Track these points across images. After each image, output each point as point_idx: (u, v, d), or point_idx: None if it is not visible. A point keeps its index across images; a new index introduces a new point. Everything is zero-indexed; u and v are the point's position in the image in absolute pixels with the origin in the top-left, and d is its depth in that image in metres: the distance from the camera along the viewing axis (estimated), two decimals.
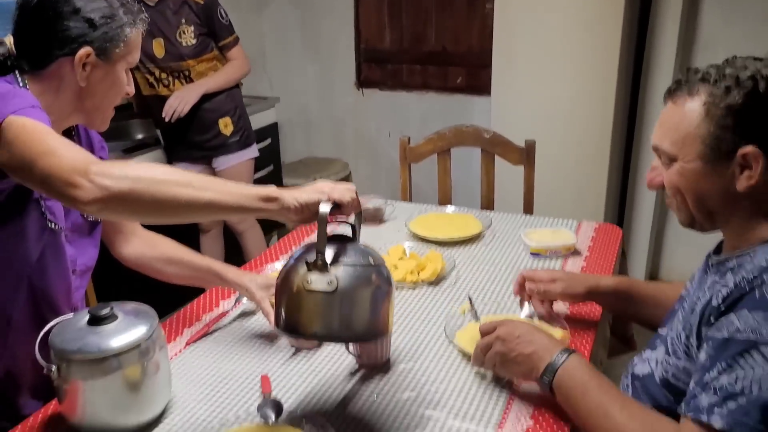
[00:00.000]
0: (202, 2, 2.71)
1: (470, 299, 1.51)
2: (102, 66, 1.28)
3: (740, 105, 1.00)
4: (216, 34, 2.79)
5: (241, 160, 2.93)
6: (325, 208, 1.06)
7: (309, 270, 1.03)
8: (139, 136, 3.15)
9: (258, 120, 3.60)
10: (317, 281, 1.02)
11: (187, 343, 1.45)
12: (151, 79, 2.76)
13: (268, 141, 3.67)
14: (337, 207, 1.12)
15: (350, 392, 1.27)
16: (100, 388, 1.13)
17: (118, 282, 2.12)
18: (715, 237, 1.16)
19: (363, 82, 3.91)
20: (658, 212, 3.37)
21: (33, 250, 1.28)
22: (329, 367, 1.35)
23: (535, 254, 1.79)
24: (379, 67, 3.86)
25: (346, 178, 3.99)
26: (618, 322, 1.73)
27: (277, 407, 1.19)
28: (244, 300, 1.58)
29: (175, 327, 1.52)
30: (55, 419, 1.21)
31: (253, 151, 2.99)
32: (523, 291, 1.49)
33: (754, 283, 0.97)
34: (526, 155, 2.22)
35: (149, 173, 1.05)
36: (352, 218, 1.18)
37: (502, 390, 1.25)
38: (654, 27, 2.99)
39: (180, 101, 2.70)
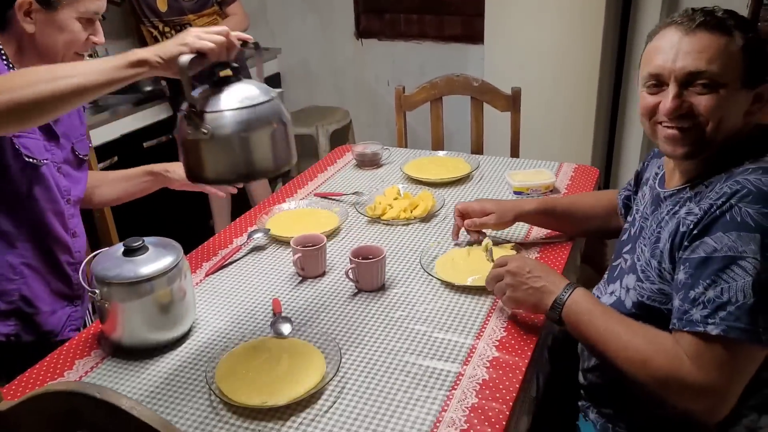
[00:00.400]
0: None
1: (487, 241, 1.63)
2: (44, 12, 1.39)
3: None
4: None
5: None
6: (185, 59, 1.10)
7: (186, 122, 1.09)
8: (148, 89, 3.31)
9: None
10: (194, 131, 1.08)
11: (207, 274, 1.64)
12: (155, 33, 2.90)
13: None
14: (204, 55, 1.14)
15: (350, 312, 1.46)
16: (136, 309, 1.32)
17: (138, 219, 2.32)
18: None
19: (362, 32, 4.02)
20: (645, 155, 3.52)
21: (20, 184, 1.45)
22: (332, 291, 1.54)
23: (518, 192, 1.96)
24: (377, 17, 3.96)
25: (347, 126, 4.13)
26: (592, 253, 1.91)
27: (288, 324, 1.39)
28: (255, 236, 1.77)
29: (195, 261, 1.71)
30: (98, 336, 1.41)
31: None
32: (461, 221, 1.67)
33: (723, 207, 1.09)
34: (512, 102, 2.37)
35: (14, 82, 1.12)
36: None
37: (482, 308, 1.44)
38: None
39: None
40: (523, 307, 1.34)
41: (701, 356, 1.08)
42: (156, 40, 2.90)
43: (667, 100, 1.17)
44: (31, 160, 1.45)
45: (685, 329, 1.10)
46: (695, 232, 1.12)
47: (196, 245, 1.79)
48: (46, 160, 1.50)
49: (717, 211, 1.10)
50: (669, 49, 1.16)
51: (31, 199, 1.49)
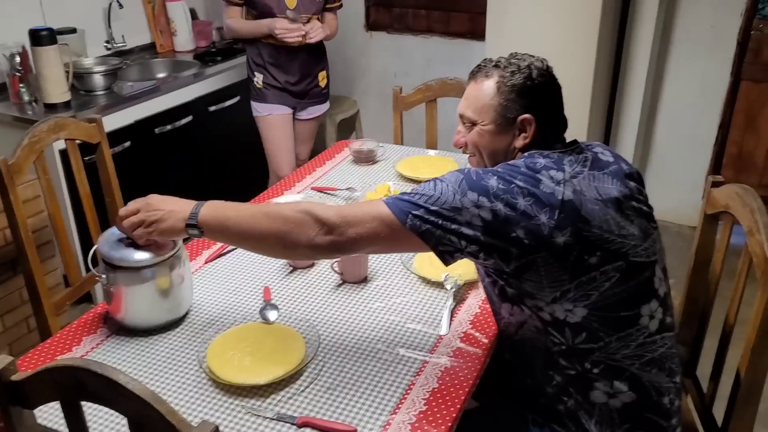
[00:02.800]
0: None
1: None
2: None
3: (520, 85, 1.36)
4: None
5: (323, 111, 3.27)
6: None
7: None
8: (161, 75, 3.45)
9: None
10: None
11: (206, 261, 1.79)
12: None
13: None
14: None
15: (333, 301, 1.61)
16: (138, 292, 1.47)
17: None
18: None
19: (371, 24, 4.13)
20: (639, 153, 3.63)
21: None
22: (319, 282, 1.69)
23: None
24: (386, 10, 4.07)
25: (355, 115, 4.26)
26: None
27: (275, 310, 1.54)
28: None
29: (195, 249, 1.86)
30: (104, 316, 1.56)
31: (327, 105, 3.29)
32: None
33: None
34: None
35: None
36: None
37: (452, 303, 1.58)
38: None
39: (314, 30, 2.88)
40: (164, 233, 1.38)
41: (357, 205, 1.31)
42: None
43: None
44: None
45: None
46: None
47: None
48: None
49: None
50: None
51: None
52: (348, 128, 4.30)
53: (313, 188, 2.19)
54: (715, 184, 1.62)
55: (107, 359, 1.41)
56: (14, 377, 1.06)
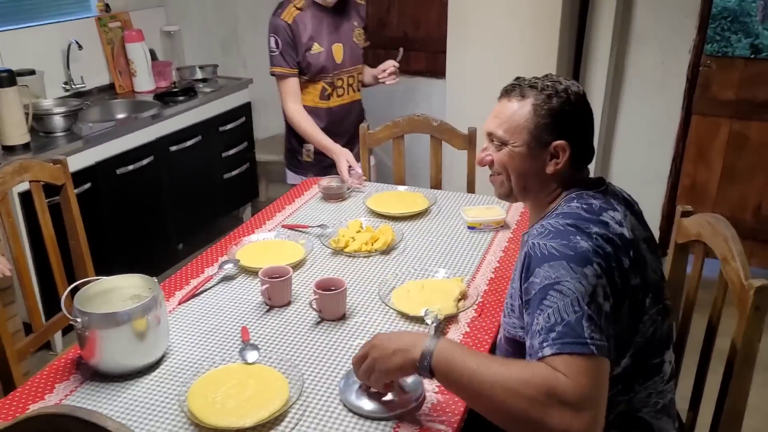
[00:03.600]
0: (363, 2, 2.80)
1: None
2: None
3: (557, 109, 1.33)
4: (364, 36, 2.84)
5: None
6: None
7: None
8: (121, 116, 3.41)
9: (233, 100, 3.88)
10: None
11: (180, 302, 1.75)
12: (329, 90, 2.74)
13: (242, 119, 3.95)
14: None
15: (313, 340, 1.59)
16: (114, 336, 1.43)
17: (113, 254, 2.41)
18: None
19: None
20: None
21: None
22: (297, 320, 1.67)
23: (471, 227, 2.12)
24: None
25: None
26: None
27: (255, 351, 1.51)
28: (226, 266, 1.89)
29: (168, 289, 1.82)
30: (76, 361, 1.51)
31: None
32: None
33: (534, 248, 1.24)
34: (468, 141, 2.53)
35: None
36: None
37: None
38: (592, 20, 3.32)
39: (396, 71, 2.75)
40: (394, 373, 1.27)
41: (569, 369, 1.09)
42: (326, 99, 2.74)
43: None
44: None
45: (532, 360, 1.15)
46: (524, 275, 1.25)
47: (162, 265, 1.89)
48: None
49: (531, 252, 1.25)
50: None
51: None
52: None
53: (284, 226, 2.18)
54: (685, 214, 1.67)
55: (82, 406, 1.36)
56: None
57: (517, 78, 1.42)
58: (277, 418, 1.32)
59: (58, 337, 2.86)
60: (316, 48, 2.64)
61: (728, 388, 1.40)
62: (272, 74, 2.68)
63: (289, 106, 2.70)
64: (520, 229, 2.13)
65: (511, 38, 3.11)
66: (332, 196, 2.38)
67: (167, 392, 1.41)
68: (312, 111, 2.74)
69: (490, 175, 1.46)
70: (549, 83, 1.36)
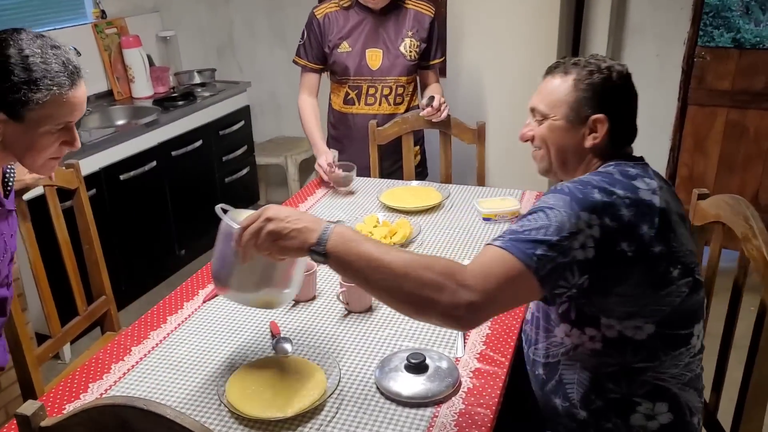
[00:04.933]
0: (432, 14, 2.62)
1: None
2: (13, 125, 1.29)
3: (598, 84, 1.36)
4: (431, 51, 2.65)
5: None
6: None
7: None
8: (121, 122, 3.40)
9: (232, 104, 3.88)
10: None
11: (204, 300, 1.76)
12: (352, 95, 2.66)
13: (242, 123, 3.95)
14: None
15: (343, 332, 1.59)
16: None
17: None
18: None
19: None
20: None
21: None
22: (324, 314, 1.68)
23: (487, 219, 2.13)
24: None
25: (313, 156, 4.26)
26: None
27: (288, 343, 1.52)
28: None
29: (190, 288, 1.82)
30: (106, 362, 1.51)
31: None
32: None
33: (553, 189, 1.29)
34: (477, 135, 2.55)
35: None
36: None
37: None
38: (588, 14, 3.36)
39: (445, 108, 2.51)
40: (286, 253, 1.22)
41: (478, 260, 1.18)
42: (350, 103, 2.70)
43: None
44: None
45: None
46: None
47: (164, 271, 1.89)
48: None
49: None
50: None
51: None
52: (309, 168, 4.31)
53: None
54: (701, 197, 1.70)
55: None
56: (44, 423, 1.01)
57: (563, 57, 1.45)
58: (317, 408, 1.33)
59: (66, 347, 2.85)
60: (343, 47, 2.61)
61: (754, 363, 1.42)
62: (294, 63, 2.76)
63: (300, 96, 2.78)
64: None
65: (509, 34, 3.14)
66: (340, 184, 2.41)
67: (204, 385, 1.42)
68: (337, 116, 2.75)
69: (533, 151, 1.49)
70: (593, 60, 1.39)
